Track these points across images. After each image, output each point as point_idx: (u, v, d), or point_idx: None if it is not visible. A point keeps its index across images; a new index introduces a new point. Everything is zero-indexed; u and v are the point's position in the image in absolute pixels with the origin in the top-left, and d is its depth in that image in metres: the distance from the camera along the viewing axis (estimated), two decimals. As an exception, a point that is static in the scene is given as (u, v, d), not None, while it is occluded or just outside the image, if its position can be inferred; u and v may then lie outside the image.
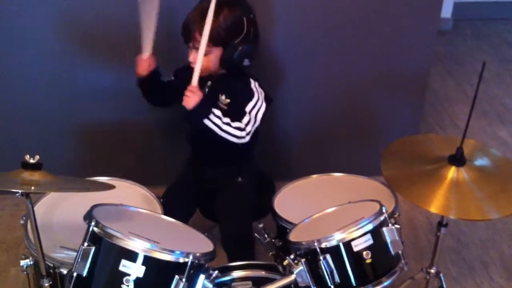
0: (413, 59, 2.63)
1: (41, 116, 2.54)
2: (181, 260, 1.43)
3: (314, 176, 2.10)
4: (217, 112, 1.86)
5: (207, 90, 1.97)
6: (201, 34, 1.80)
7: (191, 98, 1.81)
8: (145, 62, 1.94)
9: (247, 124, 1.89)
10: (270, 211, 1.93)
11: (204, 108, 1.83)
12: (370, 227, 1.51)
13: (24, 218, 1.76)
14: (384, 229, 1.54)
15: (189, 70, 1.88)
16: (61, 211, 1.84)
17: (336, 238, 1.50)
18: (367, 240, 1.51)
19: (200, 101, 1.81)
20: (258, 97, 1.93)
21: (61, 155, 2.59)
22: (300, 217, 1.81)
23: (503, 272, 2.45)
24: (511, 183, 1.77)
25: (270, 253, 1.93)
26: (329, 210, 1.73)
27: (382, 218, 1.54)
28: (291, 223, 1.81)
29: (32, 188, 1.36)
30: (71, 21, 2.34)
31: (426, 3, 2.50)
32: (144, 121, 2.59)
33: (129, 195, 1.95)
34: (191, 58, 1.89)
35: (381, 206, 1.57)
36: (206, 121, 1.84)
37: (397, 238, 1.55)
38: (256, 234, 1.93)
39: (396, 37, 2.55)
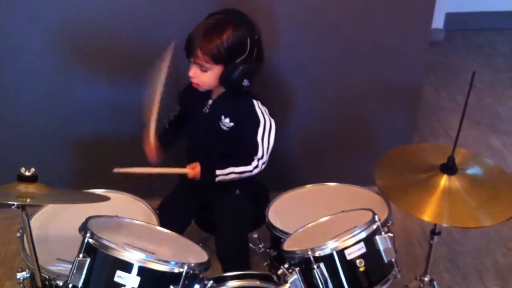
0: (406, 70, 2.66)
1: (37, 129, 2.56)
2: (176, 270, 1.44)
3: (308, 186, 2.11)
4: (228, 169, 1.93)
5: (208, 109, 1.99)
6: (202, 52, 1.82)
7: (194, 173, 1.91)
8: (152, 150, 1.99)
9: (262, 156, 1.95)
10: (264, 221, 1.94)
11: (210, 175, 1.92)
12: (363, 235, 1.53)
13: (20, 231, 1.76)
14: (377, 237, 1.55)
15: (191, 88, 1.94)
16: (57, 224, 1.85)
17: (330, 246, 1.51)
18: (361, 248, 1.52)
19: (202, 172, 1.91)
20: (265, 119, 1.95)
21: (57, 167, 2.60)
22: (294, 227, 1.81)
23: (497, 280, 2.46)
24: (503, 191, 1.79)
25: (265, 263, 1.93)
26: (322, 219, 1.75)
27: (375, 226, 1.55)
28: (285, 232, 1.82)
29: (28, 200, 1.37)
30: (68, 34, 2.36)
31: (418, 14, 2.53)
32: (140, 134, 2.60)
33: (125, 207, 1.96)
34: (191, 73, 1.90)
35: (374, 214, 1.59)
36: (222, 179, 1.93)
37: (390, 246, 1.56)
38: (251, 244, 1.93)
39: (389, 49, 2.58)
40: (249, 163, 1.93)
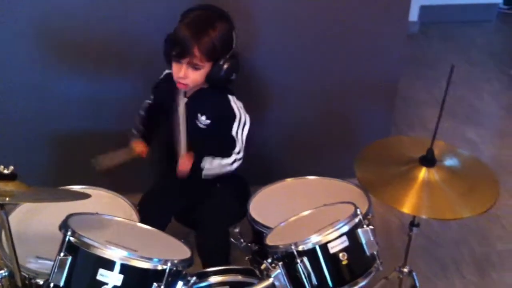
0: (383, 64, 2.67)
1: (16, 125, 2.51)
2: (159, 267, 1.43)
3: (289, 179, 2.11)
4: (209, 163, 1.94)
5: (183, 108, 1.97)
6: (200, 50, 1.80)
7: (184, 170, 1.92)
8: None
9: (239, 151, 1.97)
10: (245, 215, 1.94)
11: (197, 169, 1.93)
12: (346, 229, 1.54)
13: (-3, 229, 1.74)
14: (359, 230, 1.56)
15: (163, 84, 1.95)
16: (35, 221, 1.82)
17: (313, 240, 1.51)
18: (343, 242, 1.53)
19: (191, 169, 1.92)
20: (240, 114, 1.96)
21: (35, 164, 2.55)
22: (276, 221, 1.82)
23: (475, 270, 2.50)
24: (481, 182, 1.81)
25: (246, 257, 1.93)
26: (304, 213, 1.75)
27: (357, 219, 1.56)
28: (267, 227, 1.82)
29: (7, 199, 1.35)
30: (50, 29, 2.32)
31: (394, 7, 2.54)
32: (120, 130, 2.57)
33: (105, 203, 1.94)
34: (181, 74, 1.86)
35: (356, 208, 1.60)
36: (208, 173, 1.95)
37: (372, 238, 1.58)
38: (232, 239, 1.93)
39: (366, 43, 2.59)
40: (228, 158, 1.94)
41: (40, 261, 1.62)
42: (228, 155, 1.95)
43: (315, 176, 2.11)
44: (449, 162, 1.88)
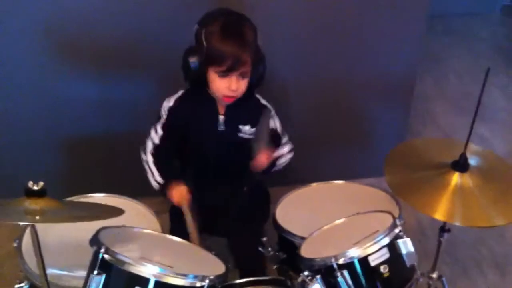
0: (401, 61, 2.62)
1: (23, 128, 2.44)
2: (197, 284, 1.38)
3: (314, 184, 2.07)
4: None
5: (222, 126, 1.87)
6: (250, 57, 1.72)
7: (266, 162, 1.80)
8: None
9: (287, 140, 1.96)
10: (272, 223, 1.89)
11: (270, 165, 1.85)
12: (386, 241, 1.49)
13: (17, 241, 1.68)
14: (400, 241, 1.52)
15: (186, 105, 1.84)
16: (54, 231, 1.74)
17: (353, 254, 1.47)
18: (384, 254, 1.49)
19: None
20: (271, 107, 1.93)
21: (45, 169, 2.48)
22: (304, 229, 1.77)
23: (496, 268, 2.47)
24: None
25: (274, 266, 1.88)
26: (338, 221, 1.70)
27: (397, 230, 1.52)
28: (297, 236, 1.77)
29: (37, 217, 1.28)
30: (55, 29, 2.24)
31: (412, 2, 2.49)
32: (131, 131, 2.51)
33: (126, 212, 1.87)
34: (234, 87, 1.75)
35: (394, 218, 1.55)
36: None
37: (411, 250, 1.53)
38: (259, 248, 1.88)
39: (382, 41, 2.54)
40: (284, 148, 1.93)
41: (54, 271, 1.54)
42: (283, 147, 1.92)
43: (341, 181, 2.06)
44: (472, 161, 1.82)
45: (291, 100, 2.61)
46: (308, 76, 2.57)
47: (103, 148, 2.53)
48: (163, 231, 1.82)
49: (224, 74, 1.73)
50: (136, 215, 1.91)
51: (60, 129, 2.47)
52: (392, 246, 1.50)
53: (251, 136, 1.87)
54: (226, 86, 1.75)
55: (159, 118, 1.88)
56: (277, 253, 1.86)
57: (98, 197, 1.97)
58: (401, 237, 1.53)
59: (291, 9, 2.38)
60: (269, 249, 1.86)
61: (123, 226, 1.58)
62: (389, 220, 1.56)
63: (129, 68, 2.40)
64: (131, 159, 2.58)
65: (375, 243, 1.47)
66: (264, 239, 1.85)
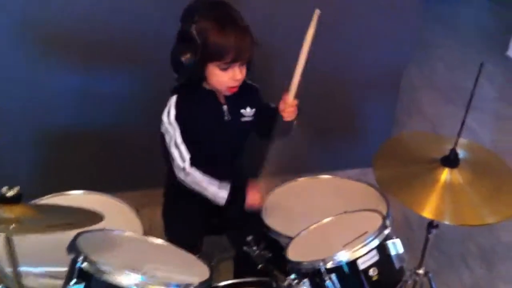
0: (391, 51, 2.57)
1: (2, 122, 2.34)
2: (181, 292, 1.33)
3: (301, 179, 2.03)
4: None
5: (228, 116, 1.82)
6: (250, 42, 1.67)
7: (294, 111, 1.77)
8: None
9: None
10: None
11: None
12: (376, 243, 1.45)
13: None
14: (389, 242, 1.48)
15: (188, 105, 1.76)
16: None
17: (342, 257, 1.42)
18: (373, 257, 1.45)
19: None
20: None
21: (20, 163, 2.41)
22: (290, 227, 1.73)
23: (482, 263, 2.46)
24: (504, 183, 1.74)
25: (259, 265, 1.83)
26: (325, 220, 1.65)
27: (386, 232, 1.48)
28: (284, 235, 1.72)
29: (12, 226, 1.21)
30: (37, 20, 2.14)
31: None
32: (114, 125, 2.44)
33: (105, 211, 1.80)
34: (239, 76, 1.71)
35: (384, 218, 1.51)
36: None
37: (401, 251, 1.49)
38: (244, 247, 1.82)
39: (374, 33, 2.49)
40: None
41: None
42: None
43: (328, 175, 2.02)
44: (465, 157, 1.78)
45: (277, 93, 2.54)
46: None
47: (82, 142, 2.46)
48: (145, 229, 1.77)
49: (227, 66, 1.68)
50: (117, 213, 1.85)
51: (39, 123, 2.38)
52: (381, 248, 1.46)
53: (252, 118, 1.85)
54: (230, 78, 1.70)
55: (163, 138, 1.79)
56: (262, 252, 1.81)
57: (77, 195, 1.92)
58: (391, 238, 1.49)
59: (278, 2, 2.31)
60: (254, 248, 1.81)
61: (103, 229, 1.52)
62: (378, 220, 1.52)
63: (113, 60, 2.32)
64: (112, 153, 2.54)
65: (364, 245, 1.43)
66: (249, 238, 1.80)
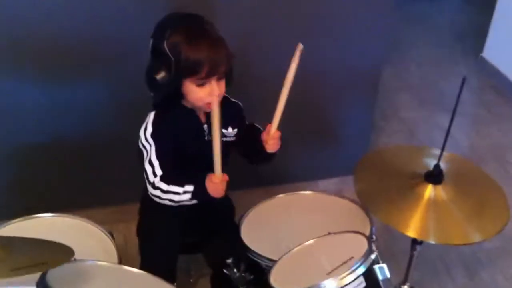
0: (367, 56, 2.50)
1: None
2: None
3: (281, 196, 1.97)
4: None
5: (209, 137, 1.71)
6: (224, 54, 1.59)
7: (277, 143, 1.69)
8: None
9: None
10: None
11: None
12: (363, 269, 1.39)
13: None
14: (376, 267, 1.43)
15: (168, 124, 1.67)
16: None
17: (329, 285, 1.36)
18: (360, 283, 1.39)
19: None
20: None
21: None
22: (272, 248, 1.70)
23: (465, 271, 2.43)
24: (488, 199, 1.71)
25: (240, 288, 1.77)
26: (308, 242, 1.59)
27: (373, 256, 1.43)
28: (263, 257, 1.67)
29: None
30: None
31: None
32: (85, 139, 2.34)
33: (76, 236, 1.74)
34: (218, 92, 1.62)
35: (369, 242, 1.45)
36: None
37: (388, 275, 1.44)
38: (224, 270, 1.75)
39: (349, 34, 2.42)
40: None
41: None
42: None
43: (309, 191, 1.97)
44: (448, 171, 1.72)
45: (251, 96, 2.46)
46: (270, 71, 2.43)
47: (49, 158, 2.35)
48: (120, 245, 1.73)
49: (203, 82, 1.61)
50: (89, 238, 1.77)
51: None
52: (368, 274, 1.41)
53: (234, 138, 1.79)
54: (208, 93, 1.62)
55: (140, 153, 1.70)
56: (243, 274, 1.74)
57: (45, 218, 1.84)
58: (377, 262, 1.44)
59: (256, 13, 2.24)
60: (235, 270, 1.74)
61: (74, 260, 1.43)
62: (363, 243, 1.47)
63: (77, 69, 2.22)
64: (82, 169, 2.44)
65: (351, 272, 1.37)
66: (229, 260, 1.73)
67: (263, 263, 1.69)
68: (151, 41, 1.62)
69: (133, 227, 2.27)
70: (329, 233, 1.62)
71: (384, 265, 1.44)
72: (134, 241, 1.95)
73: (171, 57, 1.56)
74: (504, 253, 2.50)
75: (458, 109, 3.34)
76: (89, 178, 2.45)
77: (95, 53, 2.15)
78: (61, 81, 2.21)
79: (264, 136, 1.71)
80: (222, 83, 1.66)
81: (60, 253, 1.22)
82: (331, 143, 2.78)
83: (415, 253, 1.84)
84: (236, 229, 1.89)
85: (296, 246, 1.59)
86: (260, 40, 2.29)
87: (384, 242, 2.47)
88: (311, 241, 1.60)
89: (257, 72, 2.31)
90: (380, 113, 3.37)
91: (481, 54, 3.90)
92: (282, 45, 2.18)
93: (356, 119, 2.71)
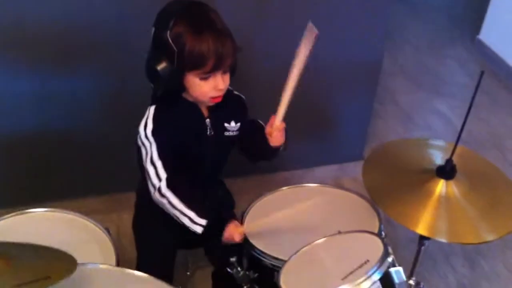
0: (366, 45, 2.44)
1: None
2: None
3: (284, 188, 1.89)
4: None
5: (210, 130, 1.65)
6: (231, 46, 1.49)
7: (281, 136, 1.62)
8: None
9: None
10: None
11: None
12: (379, 274, 1.32)
13: None
14: (392, 271, 1.37)
15: (169, 122, 1.58)
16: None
17: (344, 292, 1.29)
18: (376, 289, 1.33)
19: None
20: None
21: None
22: (277, 245, 1.62)
23: (465, 261, 2.41)
24: (504, 197, 1.64)
25: (244, 286, 1.70)
26: (318, 242, 1.51)
27: (390, 259, 1.36)
28: (268, 255, 1.60)
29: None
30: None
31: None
32: (69, 128, 2.24)
33: (73, 233, 1.67)
34: (223, 85, 1.54)
35: (385, 244, 1.39)
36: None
37: (404, 279, 1.38)
38: (227, 269, 1.69)
39: (348, 24, 2.36)
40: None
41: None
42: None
43: (315, 184, 1.90)
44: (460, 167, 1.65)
45: (251, 87, 2.38)
46: (269, 63, 2.35)
47: (36, 148, 2.26)
48: (117, 253, 1.61)
49: (208, 75, 1.51)
50: (87, 235, 1.67)
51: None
52: (385, 279, 1.35)
53: (236, 133, 1.71)
54: (212, 87, 1.53)
55: (139, 151, 1.59)
56: (247, 272, 1.68)
57: (39, 214, 1.73)
58: (393, 265, 1.38)
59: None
60: (239, 268, 1.68)
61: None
62: (377, 245, 1.41)
63: (65, 58, 2.12)
64: (73, 158, 2.34)
65: (367, 278, 1.30)
66: (233, 259, 1.66)
67: (268, 261, 1.62)
68: (152, 29, 1.52)
69: (126, 217, 2.23)
70: (340, 232, 1.54)
71: (400, 269, 1.38)
72: (127, 231, 1.91)
73: (174, 48, 1.46)
74: (505, 242, 2.48)
75: (454, 92, 3.31)
76: (79, 167, 2.38)
77: (80, 42, 2.06)
78: (46, 71, 2.12)
79: (267, 128, 1.64)
80: (227, 77, 1.57)
81: (62, 263, 1.14)
82: (328, 131, 2.73)
83: (423, 248, 1.78)
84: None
85: (304, 246, 1.51)
86: (258, 30, 2.21)
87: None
88: (320, 240, 1.53)
89: (255, 64, 2.24)
90: (376, 97, 3.30)
91: (477, 36, 3.83)
92: (283, 35, 2.14)
93: (355, 107, 2.66)
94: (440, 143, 1.81)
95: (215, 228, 1.58)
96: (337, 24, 2.32)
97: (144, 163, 1.57)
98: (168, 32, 1.45)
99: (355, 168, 2.80)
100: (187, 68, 1.49)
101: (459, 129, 3.14)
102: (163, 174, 1.54)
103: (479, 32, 3.81)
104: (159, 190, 1.54)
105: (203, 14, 1.51)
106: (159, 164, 1.54)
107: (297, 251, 1.51)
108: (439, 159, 1.68)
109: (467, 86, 3.51)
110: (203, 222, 1.54)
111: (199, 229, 1.54)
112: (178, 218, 1.55)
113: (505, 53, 3.59)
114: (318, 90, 2.52)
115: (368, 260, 1.35)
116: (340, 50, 2.40)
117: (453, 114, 3.27)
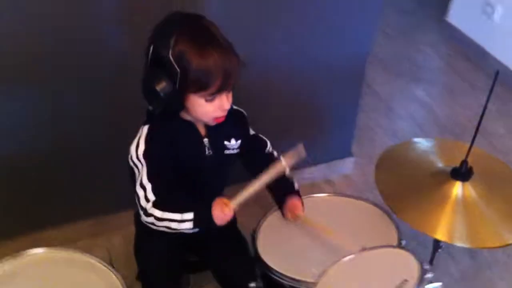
0: (352, 41, 2.39)
1: None
2: None
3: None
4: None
5: (209, 150, 1.57)
6: (236, 63, 1.41)
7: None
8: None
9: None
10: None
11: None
12: (421, 294, 1.27)
13: None
14: (431, 286, 1.32)
15: (162, 141, 1.48)
16: None
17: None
18: (419, 311, 1.27)
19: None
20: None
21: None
22: (294, 264, 1.55)
23: (465, 251, 2.41)
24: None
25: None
26: (344, 260, 1.43)
27: (429, 276, 1.31)
28: (288, 277, 1.52)
29: None
30: None
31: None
32: (52, 151, 2.11)
33: (77, 272, 1.57)
34: (227, 105, 1.46)
35: (420, 262, 1.33)
36: None
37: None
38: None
39: (336, 20, 2.28)
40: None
41: None
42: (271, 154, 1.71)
43: (326, 194, 1.85)
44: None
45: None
46: (256, 59, 2.26)
47: (16, 175, 2.11)
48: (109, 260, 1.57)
49: (213, 97, 1.42)
50: (91, 274, 1.56)
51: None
52: (424, 296, 1.30)
53: (237, 150, 1.63)
54: (217, 107, 1.45)
55: (131, 171, 1.49)
56: (262, 291, 1.61)
57: (37, 255, 1.60)
58: (431, 281, 1.33)
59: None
60: (253, 285, 1.60)
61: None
62: (410, 261, 1.35)
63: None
64: (56, 182, 2.19)
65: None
66: (252, 285, 1.58)
67: (287, 283, 1.54)
68: (151, 47, 1.40)
69: (115, 239, 2.14)
70: (364, 249, 1.47)
71: (440, 284, 1.32)
72: (117, 251, 1.93)
73: (177, 69, 1.36)
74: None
75: (430, 78, 3.30)
76: (61, 191, 2.24)
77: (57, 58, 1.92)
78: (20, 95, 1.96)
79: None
80: (231, 95, 1.48)
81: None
82: (315, 130, 2.67)
83: (440, 251, 1.75)
84: (242, 239, 1.75)
85: (330, 266, 1.44)
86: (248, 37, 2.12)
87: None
88: (346, 258, 1.45)
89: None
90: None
91: (445, 18, 3.82)
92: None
93: (341, 104, 2.60)
94: (438, 141, 1.84)
95: (205, 218, 1.46)
96: (324, 22, 2.26)
97: (134, 185, 1.48)
98: (170, 51, 1.35)
99: (345, 165, 2.76)
100: (190, 89, 1.40)
101: (441, 116, 3.13)
102: (151, 197, 1.44)
103: (446, 14, 3.81)
104: (145, 210, 1.45)
105: (204, 29, 1.42)
106: (148, 187, 1.45)
107: (323, 273, 1.43)
108: (439, 159, 1.68)
109: (441, 69, 3.51)
110: (190, 216, 1.43)
111: (189, 225, 1.44)
112: (169, 227, 1.45)
113: (473, 33, 3.58)
114: (304, 89, 2.46)
115: (406, 280, 1.29)
116: (326, 47, 2.33)
117: (433, 101, 3.26)
